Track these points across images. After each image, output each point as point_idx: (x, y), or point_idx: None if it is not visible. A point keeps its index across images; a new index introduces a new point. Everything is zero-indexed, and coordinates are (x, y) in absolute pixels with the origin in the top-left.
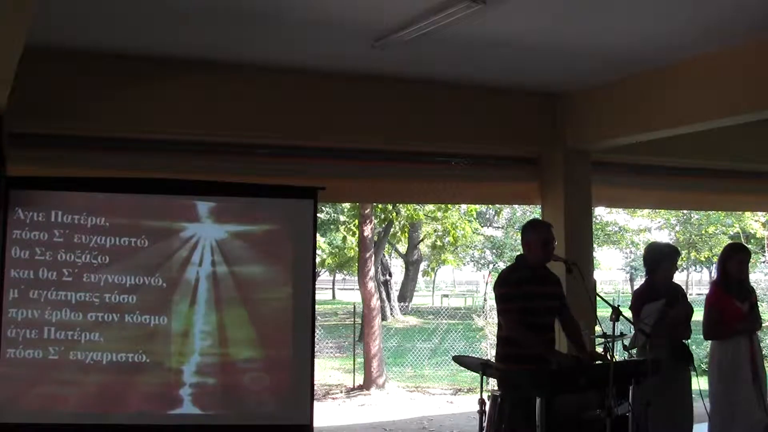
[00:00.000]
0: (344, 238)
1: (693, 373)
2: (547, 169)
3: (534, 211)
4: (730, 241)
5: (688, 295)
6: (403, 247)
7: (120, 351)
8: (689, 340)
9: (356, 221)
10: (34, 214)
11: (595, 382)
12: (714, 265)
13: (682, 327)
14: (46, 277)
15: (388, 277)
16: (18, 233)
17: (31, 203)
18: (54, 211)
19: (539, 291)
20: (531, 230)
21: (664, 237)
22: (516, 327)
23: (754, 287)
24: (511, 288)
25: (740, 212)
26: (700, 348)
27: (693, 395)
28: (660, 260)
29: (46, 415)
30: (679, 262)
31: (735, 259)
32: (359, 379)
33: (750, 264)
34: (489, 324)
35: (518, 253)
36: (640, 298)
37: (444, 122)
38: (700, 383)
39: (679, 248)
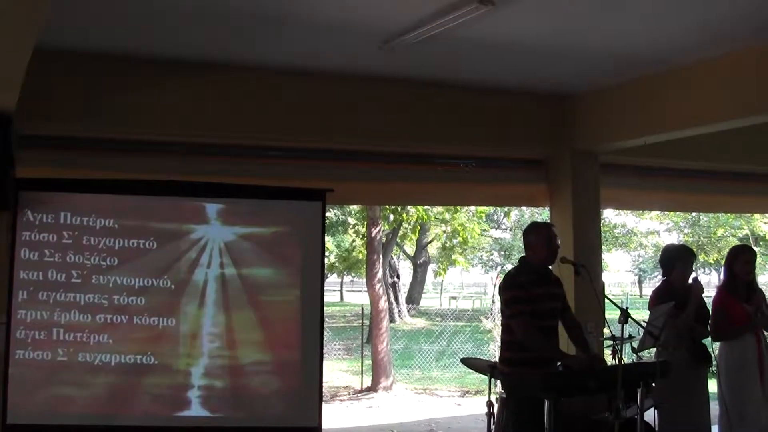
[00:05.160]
0: (353, 241)
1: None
2: (556, 171)
3: (542, 213)
4: (738, 243)
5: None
6: (411, 249)
7: (128, 353)
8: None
9: (365, 223)
10: (43, 216)
11: (604, 384)
12: (722, 267)
13: (700, 327)
14: (55, 278)
15: (396, 279)
16: (27, 235)
17: (40, 205)
18: (63, 212)
19: (544, 293)
20: (533, 232)
21: (672, 239)
22: (526, 330)
23: (762, 289)
24: (519, 291)
25: (749, 214)
26: (709, 350)
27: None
28: (674, 261)
29: (54, 417)
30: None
31: (740, 259)
32: (367, 381)
33: (756, 265)
34: (497, 326)
35: (521, 255)
36: (657, 298)
37: (451, 124)
38: (710, 385)
39: None
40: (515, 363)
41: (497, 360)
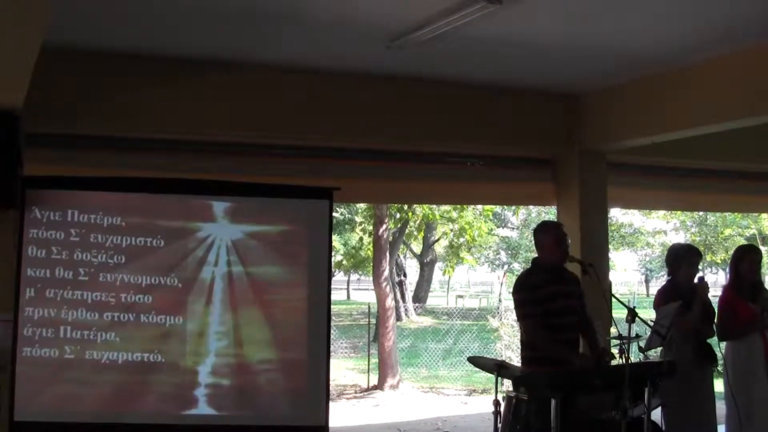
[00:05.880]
0: (360, 239)
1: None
2: (563, 170)
3: (549, 212)
4: (745, 243)
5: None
6: (417, 248)
7: (135, 351)
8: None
9: (372, 221)
10: (50, 213)
11: (611, 383)
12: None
13: (705, 326)
14: (63, 276)
15: (402, 277)
16: (34, 232)
17: (48, 202)
18: (70, 210)
19: (558, 291)
20: (543, 232)
21: (679, 239)
22: (534, 331)
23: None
24: (528, 293)
25: (756, 214)
26: (715, 349)
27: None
28: (680, 261)
29: (61, 414)
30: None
31: (747, 260)
32: (373, 380)
33: (763, 264)
34: (503, 325)
35: (534, 256)
36: (662, 297)
37: (459, 123)
38: (716, 384)
39: None
40: (528, 362)
41: (505, 358)
